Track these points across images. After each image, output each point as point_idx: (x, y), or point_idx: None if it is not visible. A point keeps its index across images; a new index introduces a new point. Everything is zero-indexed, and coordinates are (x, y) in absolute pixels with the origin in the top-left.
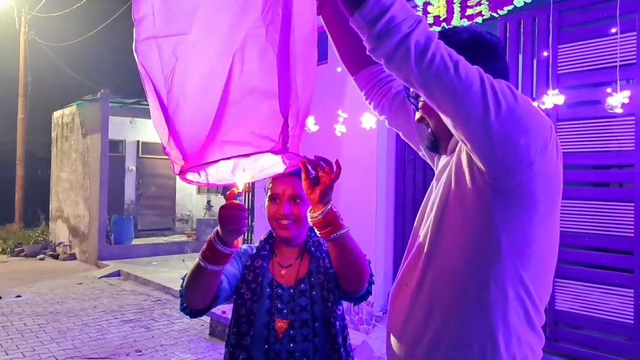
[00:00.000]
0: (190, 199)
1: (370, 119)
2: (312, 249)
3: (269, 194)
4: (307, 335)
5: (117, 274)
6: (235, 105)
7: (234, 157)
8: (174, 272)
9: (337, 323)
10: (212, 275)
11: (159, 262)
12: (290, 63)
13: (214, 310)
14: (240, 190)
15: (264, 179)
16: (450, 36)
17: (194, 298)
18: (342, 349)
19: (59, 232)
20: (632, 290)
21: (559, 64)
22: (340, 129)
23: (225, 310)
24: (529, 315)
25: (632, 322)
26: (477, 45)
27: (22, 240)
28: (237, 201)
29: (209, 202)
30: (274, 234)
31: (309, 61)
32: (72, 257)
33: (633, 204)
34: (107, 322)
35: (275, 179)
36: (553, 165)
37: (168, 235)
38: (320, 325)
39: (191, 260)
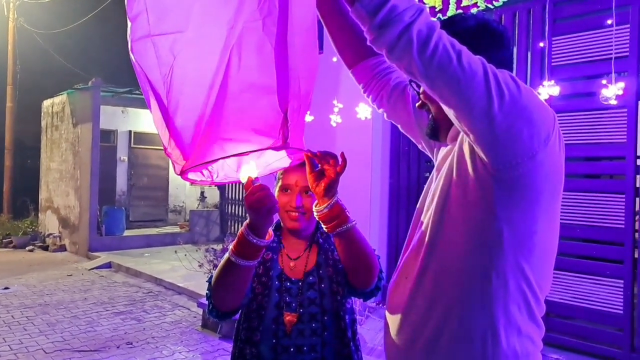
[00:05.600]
0: (184, 190)
1: (365, 110)
2: (321, 240)
3: (279, 184)
4: (316, 329)
5: (108, 265)
6: (234, 102)
7: (235, 155)
8: (167, 263)
9: (347, 317)
10: (245, 272)
11: (151, 254)
12: (289, 56)
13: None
14: (255, 176)
15: (270, 173)
16: (457, 23)
17: (226, 299)
18: (351, 343)
19: (49, 223)
20: (622, 281)
21: (552, 56)
22: (335, 119)
23: None
24: (529, 307)
25: (621, 312)
26: (484, 33)
27: (11, 232)
28: (258, 184)
29: (202, 193)
30: (281, 225)
31: (310, 53)
32: (62, 248)
33: (624, 196)
34: (97, 314)
35: (287, 169)
36: (555, 156)
37: (160, 226)
38: (329, 318)
39: (183, 252)
